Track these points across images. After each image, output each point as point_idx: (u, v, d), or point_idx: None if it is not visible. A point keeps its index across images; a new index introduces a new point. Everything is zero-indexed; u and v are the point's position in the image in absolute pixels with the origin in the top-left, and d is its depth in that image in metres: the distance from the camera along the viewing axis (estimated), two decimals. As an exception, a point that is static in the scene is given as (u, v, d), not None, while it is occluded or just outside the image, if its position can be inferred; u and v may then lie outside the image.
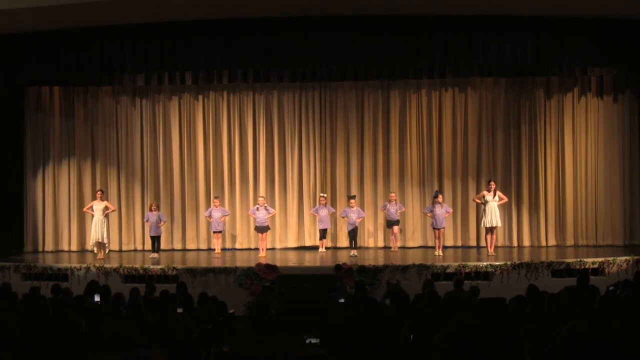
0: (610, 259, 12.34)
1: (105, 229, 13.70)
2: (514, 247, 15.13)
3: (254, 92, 15.64)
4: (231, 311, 9.62)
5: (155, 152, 15.75)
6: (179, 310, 7.42)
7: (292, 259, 13.82)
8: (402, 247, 14.96)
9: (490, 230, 13.67)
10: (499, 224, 13.80)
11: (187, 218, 15.68)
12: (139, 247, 15.54)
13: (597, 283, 8.52)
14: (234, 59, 13.06)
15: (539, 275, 11.90)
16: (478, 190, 14.77)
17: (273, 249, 15.15)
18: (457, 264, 12.27)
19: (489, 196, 13.57)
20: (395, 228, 14.39)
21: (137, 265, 12.49)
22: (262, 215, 14.05)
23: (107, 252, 14.02)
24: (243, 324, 10.61)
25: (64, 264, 12.88)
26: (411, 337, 6.05)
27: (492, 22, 12.59)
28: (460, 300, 7.08)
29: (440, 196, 13.88)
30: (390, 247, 14.65)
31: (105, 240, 13.81)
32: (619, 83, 15.15)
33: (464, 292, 8.30)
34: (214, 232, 14.64)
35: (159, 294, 8.36)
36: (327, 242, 14.93)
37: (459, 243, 15.34)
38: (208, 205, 15.28)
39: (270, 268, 12.05)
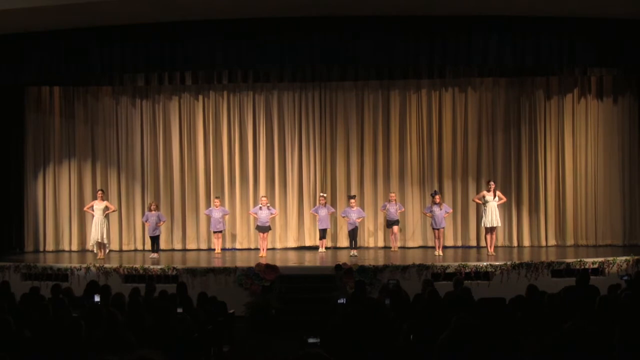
0: (610, 259, 12.34)
1: (105, 229, 13.71)
2: (514, 247, 15.14)
3: (254, 92, 15.65)
4: (231, 311, 9.62)
5: (155, 152, 15.75)
6: (179, 310, 7.42)
7: (292, 259, 13.82)
8: (402, 247, 14.97)
9: (490, 230, 13.68)
10: (499, 224, 13.81)
11: (187, 218, 15.69)
12: (139, 247, 15.56)
13: (597, 283, 8.53)
14: (234, 59, 13.04)
15: (539, 275, 11.90)
16: (478, 190, 14.77)
17: (273, 249, 15.14)
18: (457, 264, 12.27)
19: (488, 196, 13.58)
20: (395, 228, 14.39)
21: (137, 265, 12.49)
22: (264, 215, 14.06)
23: (107, 252, 14.03)
24: (243, 324, 10.64)
25: (64, 264, 12.87)
26: (411, 337, 6.05)
27: (492, 22, 12.58)
28: (460, 300, 7.08)
29: (437, 196, 13.86)
30: (390, 247, 14.66)
31: (106, 240, 13.82)
32: (619, 83, 15.16)
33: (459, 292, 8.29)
34: (214, 232, 14.66)
35: (158, 294, 8.36)
36: (327, 242, 14.94)
37: (459, 243, 15.35)
38: (208, 205, 15.30)
39: (270, 268, 12.05)
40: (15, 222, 15.49)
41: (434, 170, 15.47)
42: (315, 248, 14.84)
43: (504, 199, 14.03)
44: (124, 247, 15.57)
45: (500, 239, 14.96)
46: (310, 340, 5.75)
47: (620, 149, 15.15)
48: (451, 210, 14.44)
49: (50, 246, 15.59)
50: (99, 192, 14.11)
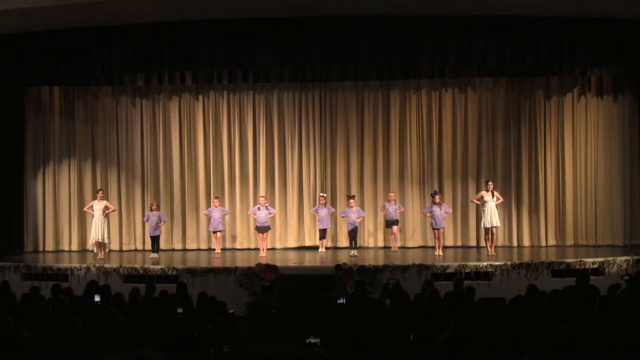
0: (610, 259, 12.34)
1: (105, 229, 13.72)
2: (514, 247, 15.14)
3: (254, 92, 15.66)
4: (231, 311, 9.62)
5: (155, 152, 15.76)
6: (179, 310, 7.42)
7: (292, 259, 13.82)
8: (402, 247, 14.97)
9: (490, 230, 13.68)
10: (498, 224, 13.80)
11: (187, 218, 15.69)
12: (139, 247, 15.56)
13: (597, 283, 8.53)
14: (234, 59, 13.05)
15: (539, 275, 11.90)
16: (478, 190, 14.76)
17: (273, 249, 15.15)
18: (457, 264, 12.26)
19: (487, 196, 13.57)
20: (395, 228, 14.39)
21: (137, 265, 12.49)
22: (263, 216, 14.07)
23: (107, 252, 14.03)
24: (243, 324, 10.65)
25: (64, 264, 12.87)
26: (411, 337, 6.05)
27: (492, 22, 12.59)
28: (460, 300, 7.07)
29: (437, 196, 13.86)
30: (390, 247, 14.65)
31: (106, 240, 13.82)
32: (619, 83, 15.16)
33: (462, 292, 8.30)
34: (214, 232, 14.67)
35: (158, 294, 8.36)
36: (327, 242, 14.94)
37: (459, 243, 15.35)
38: (208, 205, 15.30)
39: (270, 268, 12.05)
40: (15, 222, 15.49)
41: (434, 170, 15.48)
42: (315, 248, 14.84)
43: (502, 199, 14.02)
44: (124, 247, 15.58)
45: (500, 239, 14.96)
46: (310, 340, 5.75)
47: (620, 149, 15.15)
48: (451, 210, 14.44)
49: (50, 246, 15.59)
50: (99, 192, 14.12)
